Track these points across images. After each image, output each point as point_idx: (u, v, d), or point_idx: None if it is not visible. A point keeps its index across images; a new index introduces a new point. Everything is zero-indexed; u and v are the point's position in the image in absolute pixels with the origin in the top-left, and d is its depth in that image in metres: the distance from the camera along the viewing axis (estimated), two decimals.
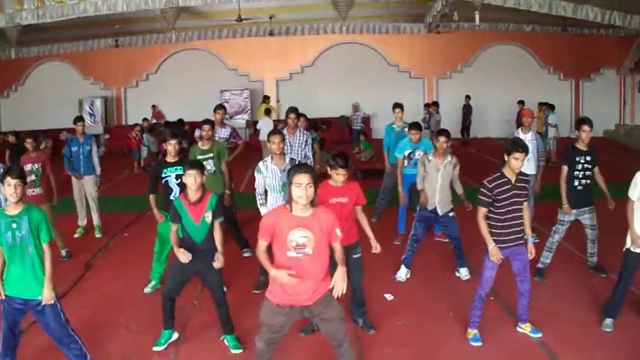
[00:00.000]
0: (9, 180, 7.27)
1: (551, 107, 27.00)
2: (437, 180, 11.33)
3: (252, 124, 31.11)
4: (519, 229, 8.65)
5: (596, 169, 11.14)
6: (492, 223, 8.64)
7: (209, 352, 8.92)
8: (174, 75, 35.56)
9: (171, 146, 10.81)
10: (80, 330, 8.52)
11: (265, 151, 16.24)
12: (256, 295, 10.46)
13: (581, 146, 10.98)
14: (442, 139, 11.23)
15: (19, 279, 7.50)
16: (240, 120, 33.72)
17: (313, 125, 24.51)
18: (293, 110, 13.50)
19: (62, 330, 7.74)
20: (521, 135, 12.88)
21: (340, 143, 30.79)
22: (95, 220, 15.61)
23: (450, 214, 11.53)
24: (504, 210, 8.51)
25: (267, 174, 10.59)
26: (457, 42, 34.80)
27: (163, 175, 10.83)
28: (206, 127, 12.45)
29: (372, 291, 10.42)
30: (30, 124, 31.72)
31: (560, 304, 10.24)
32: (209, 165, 12.25)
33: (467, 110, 32.58)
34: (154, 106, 34.44)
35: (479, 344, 8.87)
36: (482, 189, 8.62)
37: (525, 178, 8.73)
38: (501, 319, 9.66)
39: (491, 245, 8.52)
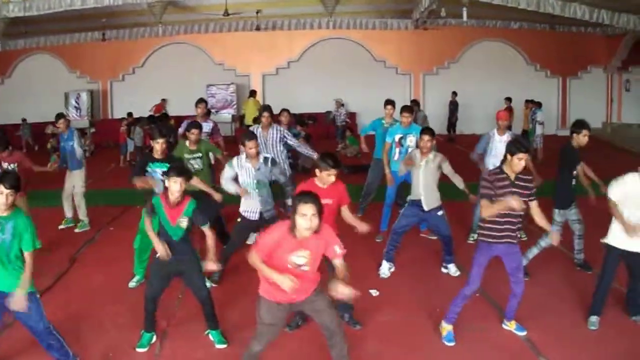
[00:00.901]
0: (1, 188, 7.26)
1: (538, 105, 27.07)
2: (419, 177, 11.29)
3: (238, 118, 31.04)
4: (513, 227, 8.60)
5: (583, 164, 11.21)
6: (491, 220, 8.59)
7: (193, 347, 8.89)
8: (160, 69, 35.47)
9: (159, 145, 10.87)
10: (65, 324, 8.54)
11: None
12: (240, 290, 10.46)
13: (577, 147, 11.00)
14: (426, 137, 11.13)
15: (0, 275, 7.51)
16: (226, 115, 33.79)
17: (299, 120, 24.51)
18: (267, 108, 13.75)
19: (40, 324, 7.74)
20: (497, 137, 12.88)
21: (326, 138, 30.78)
22: (81, 215, 15.63)
23: (439, 213, 11.44)
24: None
25: (241, 172, 10.87)
26: (444, 38, 34.81)
27: (149, 170, 10.88)
28: (195, 131, 12.37)
29: (356, 287, 10.40)
30: (15, 117, 31.70)
31: (547, 300, 10.28)
32: (197, 165, 12.29)
33: (453, 106, 32.59)
34: (164, 100, 34.35)
35: (452, 344, 8.88)
36: (483, 183, 8.63)
37: (526, 178, 8.65)
38: (487, 315, 9.68)
39: (507, 201, 8.27)
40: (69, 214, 15.78)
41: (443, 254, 11.85)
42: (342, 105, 32.03)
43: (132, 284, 11.34)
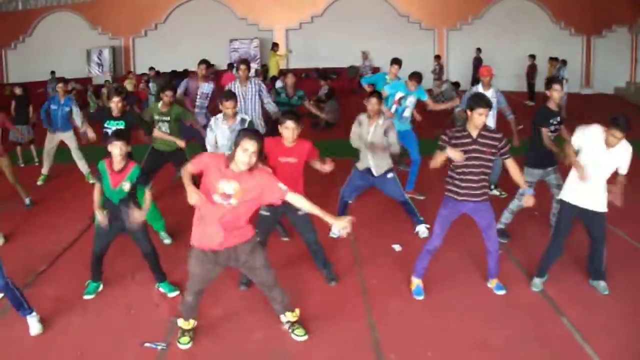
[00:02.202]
0: None
1: (563, 62, 26.89)
2: (366, 142, 10.98)
3: (262, 72, 31.08)
4: (477, 185, 8.46)
5: (562, 127, 10.95)
6: (450, 174, 8.57)
7: (217, 304, 8.88)
8: (182, 25, 35.44)
9: (114, 103, 11.19)
10: (85, 279, 8.60)
11: None
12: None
13: (552, 106, 10.76)
14: (373, 100, 10.84)
15: None
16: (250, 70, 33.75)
17: (322, 74, 24.44)
18: (243, 61, 13.79)
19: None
20: (481, 91, 12.80)
21: (349, 93, 30.71)
22: (83, 169, 15.87)
23: (389, 175, 11.12)
24: (460, 164, 8.35)
25: (217, 133, 10.85)
26: None
27: (105, 126, 11.16)
28: (168, 93, 12.35)
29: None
30: (37, 75, 31.76)
31: (565, 260, 10.20)
32: (164, 128, 12.23)
33: (477, 62, 32.35)
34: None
35: (421, 297, 8.90)
36: (442, 137, 8.47)
37: (492, 135, 8.41)
38: (511, 274, 9.60)
39: (449, 151, 8.22)
40: (45, 170, 16.04)
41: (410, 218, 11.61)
42: (368, 57, 32.00)
43: (167, 241, 11.39)
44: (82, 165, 15.79)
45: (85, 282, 9.11)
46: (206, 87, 15.18)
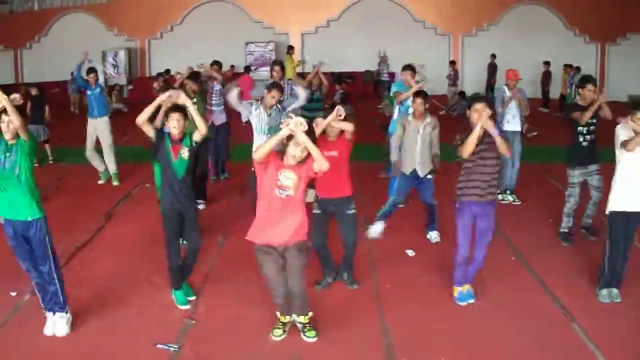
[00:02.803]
0: (3, 117, 7.54)
1: (577, 69, 26.89)
2: (416, 142, 11.02)
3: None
4: (486, 184, 8.46)
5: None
6: (461, 178, 8.58)
7: (227, 304, 8.92)
8: (198, 27, 35.57)
9: (189, 86, 12.09)
10: (100, 279, 8.61)
11: None
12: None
13: (583, 103, 10.84)
14: (419, 100, 10.94)
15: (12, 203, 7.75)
16: (265, 72, 33.86)
17: (337, 78, 24.49)
18: (277, 63, 14.12)
19: (44, 258, 7.95)
20: (507, 94, 13.20)
21: (365, 97, 30.74)
22: (112, 168, 15.84)
23: (429, 176, 11.20)
24: (472, 164, 8.40)
25: (253, 117, 11.19)
26: (484, 0, 34.49)
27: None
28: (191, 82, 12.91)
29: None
30: (53, 76, 31.88)
31: (581, 267, 10.19)
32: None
33: (492, 68, 32.41)
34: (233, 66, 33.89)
35: (464, 303, 8.89)
36: (457, 140, 8.47)
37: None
38: (523, 281, 9.64)
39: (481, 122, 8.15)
40: (101, 167, 15.98)
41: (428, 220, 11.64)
42: (386, 60, 32.18)
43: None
44: (111, 165, 15.82)
45: (100, 281, 9.12)
46: (218, 86, 15.46)
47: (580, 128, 10.78)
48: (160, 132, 8.69)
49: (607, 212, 9.01)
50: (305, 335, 7.97)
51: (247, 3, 35.64)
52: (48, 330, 8.01)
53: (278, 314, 8.02)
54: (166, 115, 8.65)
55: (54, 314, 8.05)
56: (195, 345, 7.78)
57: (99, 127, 15.65)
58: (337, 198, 9.00)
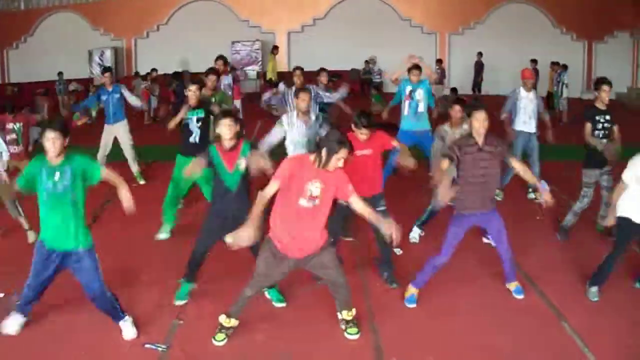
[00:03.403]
0: (48, 135, 7.26)
1: (564, 67, 26.88)
2: None
3: (263, 74, 31.07)
4: (487, 194, 8.48)
5: (615, 127, 10.97)
6: (463, 183, 8.46)
7: (219, 306, 8.88)
8: (185, 26, 35.54)
9: (191, 92, 10.96)
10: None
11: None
12: None
13: (600, 105, 10.89)
14: (457, 107, 10.88)
15: (57, 229, 7.49)
16: (251, 72, 33.87)
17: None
18: (298, 67, 13.78)
19: (96, 281, 7.75)
20: (523, 94, 13.15)
21: (352, 97, 30.78)
22: (134, 169, 15.83)
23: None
24: (472, 174, 8.34)
25: (291, 130, 10.70)
26: None
27: (184, 119, 11.03)
28: (212, 77, 12.72)
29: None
30: (39, 76, 31.81)
31: (571, 266, 10.21)
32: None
33: (478, 66, 32.49)
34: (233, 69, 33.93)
35: (412, 305, 8.84)
36: (449, 144, 8.65)
37: (496, 144, 8.43)
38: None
39: (442, 186, 8.10)
40: (135, 170, 15.93)
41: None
42: (375, 62, 32.39)
43: (162, 236, 11.35)
44: (133, 165, 15.84)
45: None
46: (227, 79, 15.97)
47: (597, 132, 10.82)
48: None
49: (617, 214, 9.03)
50: (347, 332, 8.02)
51: (234, 2, 35.63)
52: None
53: (223, 317, 7.93)
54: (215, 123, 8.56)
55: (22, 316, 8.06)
56: (184, 345, 7.78)
57: (119, 133, 15.65)
58: (372, 196, 8.89)
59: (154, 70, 28.86)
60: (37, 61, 34.98)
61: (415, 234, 11.26)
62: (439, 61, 31.10)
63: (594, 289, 9.04)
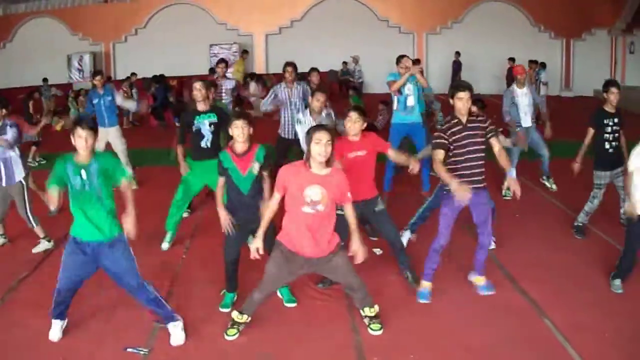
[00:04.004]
0: (79, 132, 7.28)
1: (542, 65, 26.95)
2: None
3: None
4: (476, 171, 8.43)
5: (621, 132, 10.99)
6: (453, 162, 8.43)
7: (195, 305, 8.89)
8: (163, 30, 35.52)
9: (197, 90, 10.85)
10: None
11: None
12: None
13: (609, 109, 10.87)
14: (473, 107, 10.75)
15: (87, 224, 7.51)
16: (229, 74, 33.86)
17: (300, 79, 24.60)
18: (290, 64, 13.83)
19: (131, 271, 7.76)
20: (517, 91, 13.17)
21: (331, 97, 30.77)
22: (128, 173, 15.57)
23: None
24: (460, 152, 8.33)
25: (302, 126, 10.89)
26: None
27: (195, 123, 10.85)
28: (221, 65, 13.58)
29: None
30: (19, 81, 31.70)
31: (553, 263, 10.22)
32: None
33: (456, 66, 32.62)
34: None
35: (426, 301, 8.87)
36: (435, 134, 8.53)
37: (479, 119, 8.49)
38: (493, 275, 9.51)
39: (454, 184, 8.03)
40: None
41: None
42: (358, 62, 32.54)
43: (165, 245, 11.17)
44: (128, 169, 15.27)
45: None
46: (228, 83, 15.60)
47: (606, 135, 10.83)
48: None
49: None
50: (370, 328, 8.06)
51: (211, 5, 35.65)
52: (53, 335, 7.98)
53: (235, 313, 8.01)
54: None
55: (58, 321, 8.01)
56: (165, 348, 7.75)
57: (110, 137, 15.47)
58: (363, 201, 8.90)
59: (133, 74, 28.84)
60: (17, 67, 34.81)
61: (405, 237, 10.97)
62: (417, 61, 31.10)
63: (617, 281, 9.14)
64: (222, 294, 9.03)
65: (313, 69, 15.25)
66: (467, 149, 8.33)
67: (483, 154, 8.48)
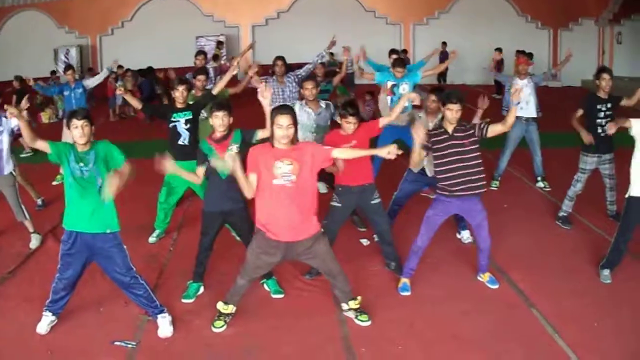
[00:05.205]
0: (75, 122, 7.32)
1: (529, 56, 26.97)
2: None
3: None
4: (464, 179, 8.36)
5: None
6: (437, 171, 8.49)
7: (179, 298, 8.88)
8: (149, 22, 35.36)
9: (179, 92, 10.75)
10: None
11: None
12: None
13: (601, 94, 10.94)
14: (432, 97, 10.63)
15: (83, 214, 7.51)
16: (215, 65, 33.86)
17: (288, 70, 24.63)
18: (280, 57, 14.27)
19: (126, 265, 7.79)
20: (519, 82, 13.16)
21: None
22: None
23: None
24: (443, 161, 8.35)
25: (301, 115, 10.92)
26: None
27: (172, 119, 10.76)
28: (201, 77, 12.78)
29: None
30: (5, 75, 31.55)
31: (539, 253, 10.26)
32: (202, 115, 11.95)
33: (443, 56, 32.49)
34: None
35: (408, 293, 8.90)
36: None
37: (466, 127, 8.46)
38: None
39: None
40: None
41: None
42: (349, 52, 32.54)
43: (152, 239, 11.15)
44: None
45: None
46: (210, 72, 16.10)
47: (598, 120, 10.84)
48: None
49: (626, 195, 9.09)
50: (358, 319, 8.10)
51: None
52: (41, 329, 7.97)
53: (220, 304, 8.04)
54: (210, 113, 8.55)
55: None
56: (153, 341, 7.75)
57: None
58: (362, 185, 9.01)
59: (120, 67, 28.76)
60: (3, 61, 34.63)
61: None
62: (404, 51, 31.12)
63: (606, 271, 9.18)
64: (187, 284, 9.05)
65: (277, 58, 15.09)
66: (453, 157, 8.35)
67: (475, 162, 8.43)
